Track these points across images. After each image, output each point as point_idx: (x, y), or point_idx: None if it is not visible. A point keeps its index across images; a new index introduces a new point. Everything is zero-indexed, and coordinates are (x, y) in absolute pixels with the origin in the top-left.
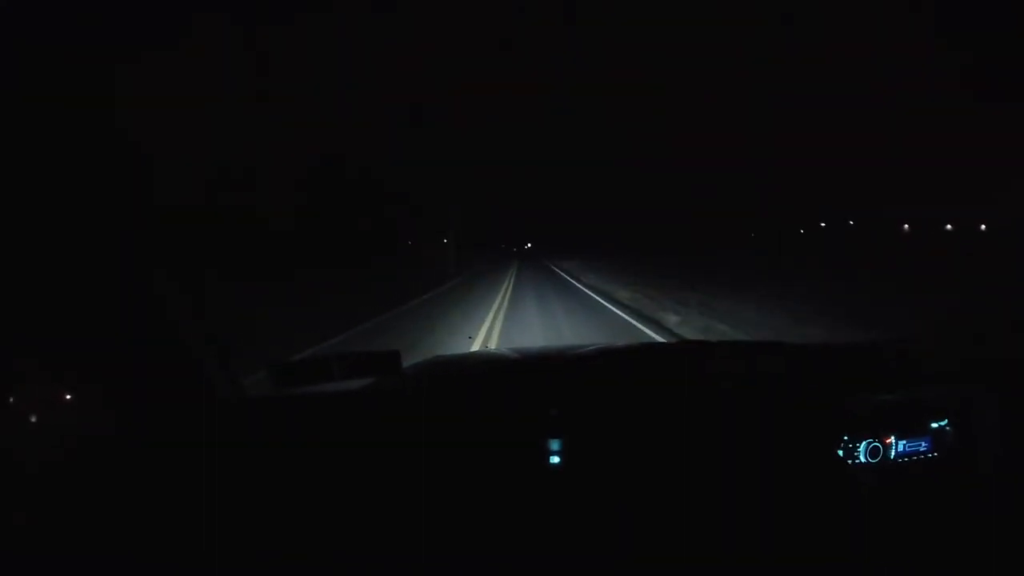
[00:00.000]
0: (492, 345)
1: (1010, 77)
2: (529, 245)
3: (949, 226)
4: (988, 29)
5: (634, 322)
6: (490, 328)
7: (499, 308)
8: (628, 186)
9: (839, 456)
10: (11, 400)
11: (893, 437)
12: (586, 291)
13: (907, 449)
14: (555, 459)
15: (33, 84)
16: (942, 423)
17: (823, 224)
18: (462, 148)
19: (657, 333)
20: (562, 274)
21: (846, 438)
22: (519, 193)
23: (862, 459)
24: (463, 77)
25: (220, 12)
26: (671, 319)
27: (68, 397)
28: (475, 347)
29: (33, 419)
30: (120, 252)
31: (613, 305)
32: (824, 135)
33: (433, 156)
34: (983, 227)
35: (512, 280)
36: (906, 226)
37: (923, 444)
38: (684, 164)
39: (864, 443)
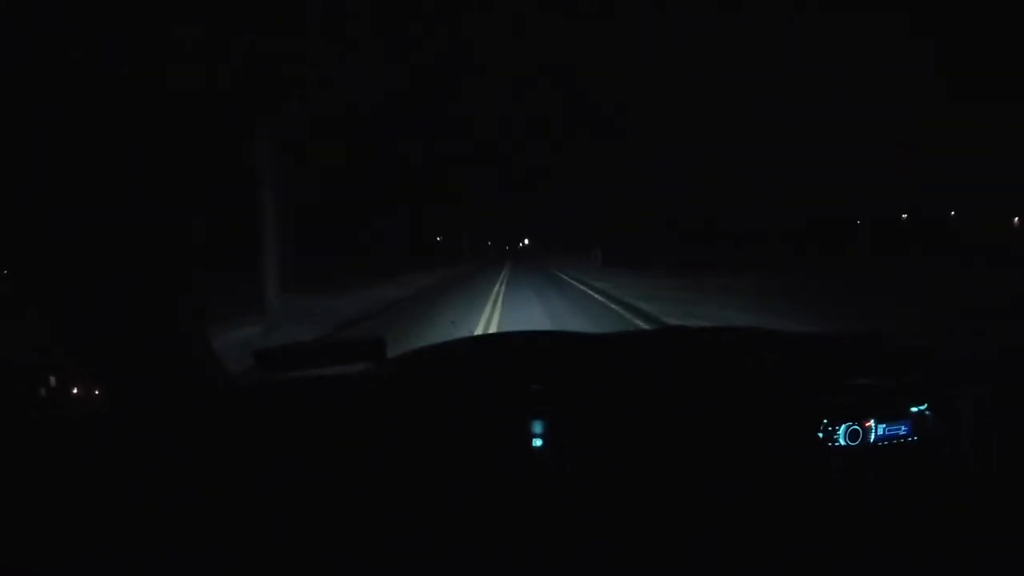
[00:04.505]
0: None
1: None
2: (526, 242)
3: None
4: None
5: None
6: None
7: None
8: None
9: (819, 440)
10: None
11: (872, 421)
12: None
13: (886, 433)
14: (538, 442)
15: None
16: (922, 408)
17: (904, 216)
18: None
19: None
20: None
21: (825, 421)
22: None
23: (841, 442)
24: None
25: None
26: None
27: (75, 391)
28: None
29: (34, 414)
30: (116, 245)
31: None
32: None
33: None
34: None
35: None
36: (1016, 219)
37: (902, 428)
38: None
39: (844, 426)
